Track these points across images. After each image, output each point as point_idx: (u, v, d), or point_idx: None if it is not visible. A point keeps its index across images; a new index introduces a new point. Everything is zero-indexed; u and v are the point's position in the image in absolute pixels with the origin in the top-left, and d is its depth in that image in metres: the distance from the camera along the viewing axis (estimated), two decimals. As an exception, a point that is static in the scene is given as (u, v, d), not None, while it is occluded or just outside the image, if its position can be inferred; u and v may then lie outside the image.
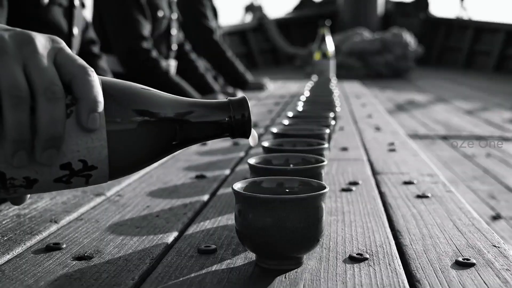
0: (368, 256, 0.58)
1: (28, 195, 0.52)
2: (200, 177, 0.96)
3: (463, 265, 0.56)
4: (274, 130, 0.93)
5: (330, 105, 1.34)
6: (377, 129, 1.59)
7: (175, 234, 0.67)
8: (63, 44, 0.49)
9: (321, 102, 1.44)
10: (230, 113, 0.52)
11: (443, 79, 8.13)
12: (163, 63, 2.50)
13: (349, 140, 1.36)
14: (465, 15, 10.24)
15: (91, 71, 0.47)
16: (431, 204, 0.80)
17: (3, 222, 0.69)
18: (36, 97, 0.44)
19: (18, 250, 0.60)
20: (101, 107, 0.47)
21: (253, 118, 1.83)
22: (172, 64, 2.67)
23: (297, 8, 11.23)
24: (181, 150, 1.20)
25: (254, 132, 0.56)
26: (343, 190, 0.87)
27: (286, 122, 1.03)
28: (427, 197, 0.83)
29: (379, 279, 0.53)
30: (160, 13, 2.54)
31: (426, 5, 10.61)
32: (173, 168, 1.04)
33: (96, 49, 1.68)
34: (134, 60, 2.41)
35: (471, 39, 9.39)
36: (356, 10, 10.43)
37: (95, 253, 0.59)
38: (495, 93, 6.54)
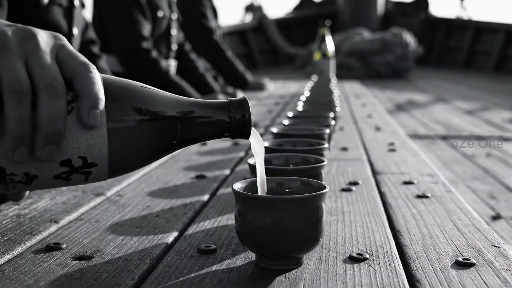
0: (368, 256, 0.58)
1: (27, 192, 0.52)
2: (200, 177, 0.96)
3: (463, 265, 0.56)
4: (274, 130, 0.93)
5: (330, 105, 1.34)
6: (377, 129, 1.59)
7: (175, 234, 0.67)
8: (65, 41, 0.49)
9: (321, 102, 1.44)
10: (231, 113, 0.52)
11: (443, 79, 8.13)
12: (163, 63, 2.50)
13: (349, 140, 1.36)
14: (465, 15, 10.24)
15: (93, 68, 0.47)
16: (431, 204, 0.80)
17: (3, 222, 0.69)
18: (37, 92, 0.44)
19: (18, 250, 0.60)
20: (102, 104, 0.47)
21: (253, 118, 1.83)
22: (172, 64, 2.67)
23: (297, 8, 11.23)
24: (181, 150, 1.20)
25: (259, 136, 0.56)
26: (343, 190, 0.87)
27: (286, 122, 1.03)
28: (427, 197, 0.83)
29: (379, 279, 0.53)
30: (160, 13, 2.54)
31: (426, 5, 10.62)
32: (173, 168, 1.04)
33: (96, 49, 1.68)
34: (134, 60, 2.41)
35: (471, 39, 9.39)
36: (356, 10, 10.43)
37: (95, 253, 0.59)
38: (495, 93, 6.54)
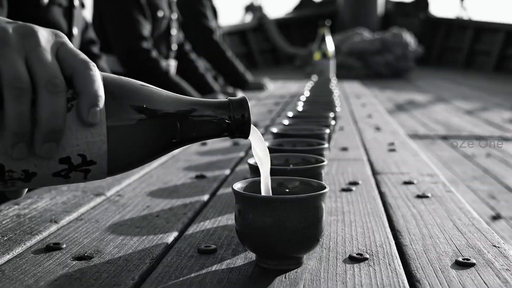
0: (368, 256, 0.58)
1: (26, 190, 0.52)
2: (200, 177, 0.96)
3: (463, 265, 0.56)
4: (274, 130, 0.93)
5: (330, 105, 1.34)
6: (377, 129, 1.59)
7: (175, 234, 0.67)
8: (65, 38, 0.49)
9: (321, 102, 1.44)
10: (230, 113, 0.52)
11: (443, 79, 8.13)
12: (163, 63, 2.50)
13: (349, 140, 1.36)
14: (465, 15, 10.24)
15: (93, 66, 0.47)
16: (431, 204, 0.80)
17: (3, 222, 0.69)
18: (37, 89, 0.44)
19: (18, 250, 0.60)
20: (101, 101, 0.46)
21: (253, 118, 1.83)
22: (172, 64, 2.67)
23: (297, 8, 11.23)
24: (181, 150, 1.20)
25: (261, 136, 0.56)
26: (343, 190, 0.87)
27: (286, 122, 1.03)
28: (427, 197, 0.83)
29: (379, 279, 0.53)
30: (160, 13, 2.54)
31: (426, 5, 10.62)
32: (173, 168, 1.04)
33: (96, 49, 1.68)
34: (134, 60, 2.41)
35: (471, 39, 9.39)
36: (356, 10, 10.43)
37: (95, 253, 0.59)
38: (495, 93, 6.54)
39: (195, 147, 1.26)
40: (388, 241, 0.64)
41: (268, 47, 9.84)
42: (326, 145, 0.81)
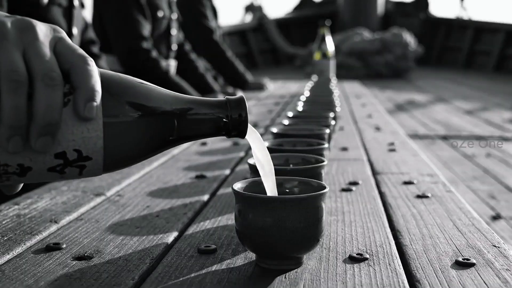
0: (368, 256, 0.58)
1: (21, 185, 0.52)
2: (200, 177, 0.96)
3: (463, 265, 0.56)
4: (274, 130, 0.93)
5: (330, 105, 1.34)
6: (377, 129, 1.59)
7: (175, 234, 0.67)
8: (63, 34, 0.49)
9: (321, 102, 1.44)
10: (228, 112, 0.52)
11: (443, 79, 8.13)
12: (163, 63, 2.50)
13: (349, 140, 1.36)
14: (465, 15, 10.24)
15: (90, 61, 0.47)
16: (431, 204, 0.80)
17: (3, 222, 0.69)
18: (34, 83, 0.44)
19: (18, 250, 0.60)
20: (98, 96, 0.46)
21: (253, 118, 1.83)
22: (172, 64, 2.67)
23: (297, 8, 11.23)
24: (181, 150, 1.20)
25: (258, 135, 0.56)
26: (343, 190, 0.87)
27: (286, 122, 1.03)
28: (427, 197, 0.83)
29: (379, 279, 0.53)
30: (160, 13, 2.54)
31: (426, 5, 10.62)
32: (173, 168, 1.04)
33: (95, 49, 1.68)
34: (134, 60, 2.41)
35: (471, 39, 9.39)
36: (356, 10, 10.43)
37: (95, 253, 0.59)
38: (495, 93, 6.54)
39: (195, 147, 1.26)
40: (388, 241, 0.64)
41: (268, 47, 9.84)
42: (326, 145, 0.81)
